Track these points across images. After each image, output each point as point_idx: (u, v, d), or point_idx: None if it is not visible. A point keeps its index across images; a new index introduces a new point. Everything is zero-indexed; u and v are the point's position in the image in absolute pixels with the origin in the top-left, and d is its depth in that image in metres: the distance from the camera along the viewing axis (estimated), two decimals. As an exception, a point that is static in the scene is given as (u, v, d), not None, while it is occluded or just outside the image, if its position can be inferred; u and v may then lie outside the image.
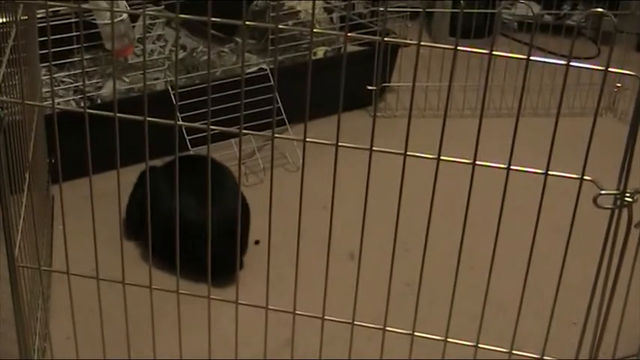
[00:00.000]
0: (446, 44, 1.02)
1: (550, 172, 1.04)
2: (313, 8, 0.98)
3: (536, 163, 1.07)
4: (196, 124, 1.15)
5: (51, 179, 2.04)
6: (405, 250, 1.75)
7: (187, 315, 1.37)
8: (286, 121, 2.34)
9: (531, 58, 0.95)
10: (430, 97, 2.76)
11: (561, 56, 3.02)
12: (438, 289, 1.44)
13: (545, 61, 0.99)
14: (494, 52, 0.96)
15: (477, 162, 1.05)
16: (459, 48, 0.96)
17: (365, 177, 1.09)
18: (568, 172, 1.06)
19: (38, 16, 1.85)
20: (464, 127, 2.08)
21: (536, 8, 3.32)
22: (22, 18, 1.43)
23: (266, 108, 2.10)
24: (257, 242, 1.97)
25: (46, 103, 2.14)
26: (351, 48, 2.73)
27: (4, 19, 1.29)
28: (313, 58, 2.66)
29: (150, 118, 1.09)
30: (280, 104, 2.32)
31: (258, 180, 2.29)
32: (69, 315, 1.33)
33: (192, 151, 2.17)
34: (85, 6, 1.09)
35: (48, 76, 2.31)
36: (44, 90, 2.17)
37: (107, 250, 1.34)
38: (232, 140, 2.24)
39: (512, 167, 1.04)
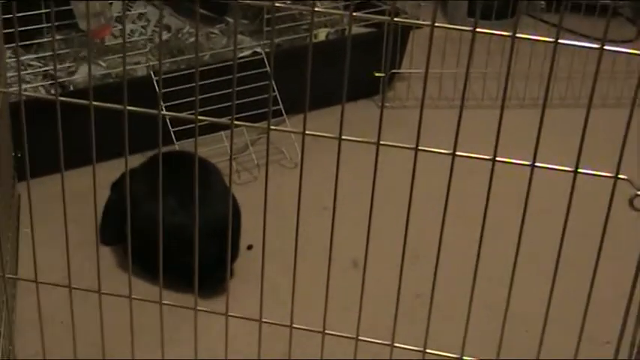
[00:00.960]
0: (463, 26, 1.02)
1: (580, 170, 1.05)
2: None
3: (564, 159, 1.08)
4: (183, 114, 1.16)
5: (17, 176, 2.05)
6: (414, 257, 1.77)
7: (171, 328, 1.38)
8: (283, 111, 2.35)
9: (560, 41, 0.96)
10: (445, 86, 2.77)
11: (594, 39, 3.03)
12: (451, 301, 1.45)
13: (575, 45, 0.99)
14: (517, 35, 0.96)
15: (498, 158, 1.05)
16: (478, 30, 0.97)
17: (370, 175, 1.10)
18: (600, 170, 1.06)
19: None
20: (483, 119, 2.09)
21: (566, -15, 3.32)
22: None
23: (261, 97, 2.11)
24: (250, 247, 1.97)
25: (12, 89, 2.15)
26: (357, 30, 2.73)
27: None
28: (314, 40, 2.67)
29: (130, 107, 1.09)
30: (277, 93, 2.33)
31: (252, 177, 2.29)
32: (37, 329, 1.34)
33: (176, 145, 2.18)
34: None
35: (13, 59, 2.32)
36: (9, 75, 2.18)
37: (80, 257, 1.35)
38: (222, 133, 2.25)
39: (536, 164, 1.05)
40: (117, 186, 1.99)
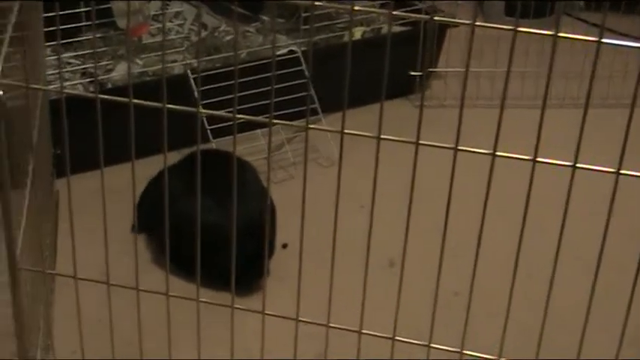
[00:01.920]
0: (501, 24, 1.01)
1: (623, 171, 1.04)
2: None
3: (606, 160, 1.07)
4: (221, 112, 1.16)
5: (56, 173, 2.07)
6: (452, 256, 1.75)
7: (207, 326, 1.38)
8: (319, 109, 2.35)
9: (603, 40, 0.95)
10: (482, 85, 2.75)
11: (634, 38, 3.00)
12: (490, 300, 1.44)
13: (619, 44, 0.98)
14: (559, 34, 0.95)
15: (538, 159, 1.04)
16: (519, 29, 0.96)
17: (406, 174, 1.10)
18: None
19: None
20: (521, 118, 2.07)
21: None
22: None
23: (297, 95, 2.11)
24: (285, 246, 1.98)
25: (52, 86, 2.18)
26: (393, 28, 2.72)
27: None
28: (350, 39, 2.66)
29: (169, 105, 1.10)
30: (313, 91, 2.33)
31: (288, 176, 2.30)
32: (75, 325, 1.35)
33: (213, 143, 2.19)
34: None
35: (53, 57, 2.34)
36: (48, 72, 2.20)
37: (117, 253, 1.36)
38: (259, 131, 2.25)
39: (578, 165, 1.04)
40: (153, 182, 2.00)
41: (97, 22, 2.23)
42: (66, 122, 1.22)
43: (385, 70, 1.03)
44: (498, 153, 1.05)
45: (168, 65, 2.41)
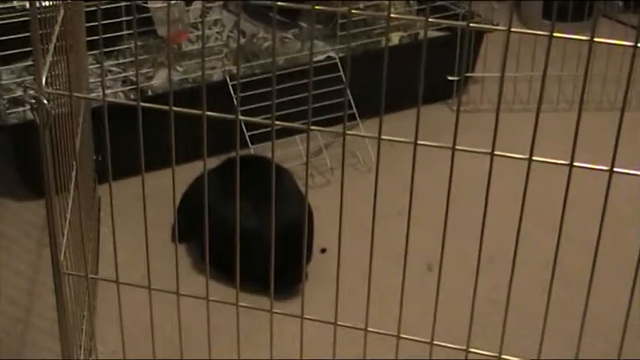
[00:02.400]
0: (538, 28, 1.02)
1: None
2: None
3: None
4: (259, 119, 1.17)
5: (97, 179, 2.10)
6: (489, 262, 1.75)
7: (246, 330, 1.40)
8: (357, 115, 2.36)
9: None
10: (519, 89, 2.74)
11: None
12: (527, 307, 1.44)
13: (654, 49, 0.97)
14: (595, 39, 0.95)
15: (575, 163, 1.04)
16: (555, 34, 0.96)
17: (444, 179, 1.10)
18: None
19: (85, -2, 1.91)
20: (558, 122, 2.06)
21: (644, -14, 3.26)
22: (67, 1, 1.47)
23: (334, 101, 2.12)
24: (323, 251, 1.98)
25: (94, 94, 2.21)
26: (430, 33, 2.72)
27: (50, 2, 1.33)
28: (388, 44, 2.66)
29: (209, 112, 1.12)
30: (350, 97, 2.34)
31: (325, 181, 2.30)
32: (116, 328, 1.37)
33: (251, 149, 2.20)
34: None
35: (95, 66, 2.37)
36: (90, 80, 2.23)
37: (158, 258, 1.37)
38: (297, 137, 2.26)
39: (615, 169, 1.03)
40: (190, 188, 2.02)
41: (138, 30, 2.26)
42: (108, 129, 1.24)
43: (421, 75, 1.03)
44: (535, 158, 1.05)
45: (208, 72, 2.43)
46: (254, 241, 1.61)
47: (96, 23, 1.23)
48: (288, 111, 1.89)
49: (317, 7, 1.06)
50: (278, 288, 1.36)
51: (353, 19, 2.62)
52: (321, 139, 2.40)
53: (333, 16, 2.70)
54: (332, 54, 2.49)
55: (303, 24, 2.75)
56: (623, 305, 1.15)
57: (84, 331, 1.56)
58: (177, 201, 2.01)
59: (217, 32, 2.57)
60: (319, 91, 2.10)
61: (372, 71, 1.58)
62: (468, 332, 1.22)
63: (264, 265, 1.27)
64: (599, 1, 3.16)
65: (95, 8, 1.33)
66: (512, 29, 0.99)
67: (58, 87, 1.36)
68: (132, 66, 2.42)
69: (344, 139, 1.13)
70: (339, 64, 2.41)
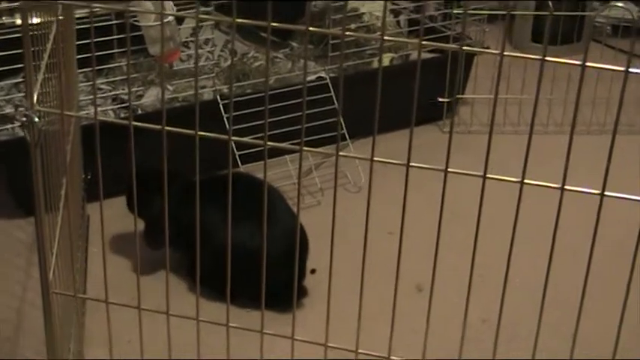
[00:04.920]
0: (528, 51, 1.03)
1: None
2: (384, 12, 0.99)
3: (635, 188, 1.07)
4: (251, 140, 1.18)
5: (86, 197, 2.10)
6: (480, 283, 1.76)
7: (237, 350, 1.39)
8: (347, 136, 2.37)
9: (630, 70, 0.96)
10: (510, 111, 2.76)
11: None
12: (518, 327, 1.44)
13: (645, 74, 0.99)
14: (587, 64, 0.96)
15: (566, 187, 1.05)
16: (546, 58, 0.97)
17: (434, 200, 1.10)
18: (671, 199, 1.05)
19: (76, 16, 1.91)
20: (548, 145, 2.07)
21: (634, 10, 3.28)
22: (58, 19, 1.48)
23: (324, 121, 2.13)
24: (313, 271, 1.98)
25: (84, 112, 2.21)
26: (421, 55, 2.74)
27: (41, 19, 1.34)
28: (377, 66, 2.68)
29: (200, 132, 1.12)
30: (341, 117, 2.34)
31: (315, 202, 2.31)
32: (106, 347, 1.37)
33: (242, 169, 2.21)
34: (127, 7, 1.12)
35: (85, 83, 2.38)
36: (80, 98, 2.24)
37: (147, 276, 1.37)
38: (287, 157, 2.27)
39: (606, 193, 1.04)
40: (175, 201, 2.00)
41: (128, 48, 2.26)
42: (98, 147, 1.24)
43: (415, 97, 1.04)
44: (527, 181, 1.06)
45: (198, 92, 2.44)
46: (244, 260, 1.62)
47: (87, 41, 1.23)
48: (278, 131, 1.89)
49: (312, 29, 1.07)
50: (272, 306, 1.36)
51: (345, 39, 2.63)
52: (311, 159, 2.41)
53: (324, 36, 2.71)
54: (323, 74, 2.50)
55: (295, 44, 2.76)
56: (614, 326, 1.16)
57: (71, 350, 1.55)
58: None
59: (208, 51, 2.58)
60: (310, 112, 2.10)
61: (363, 92, 1.58)
62: (459, 353, 1.22)
63: (256, 285, 1.27)
64: (589, 26, 3.19)
65: (86, 26, 1.33)
66: (505, 53, 1.00)
67: (48, 104, 1.36)
68: (122, 84, 2.43)
69: (337, 160, 1.13)
70: (330, 85, 2.42)
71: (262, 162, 1.16)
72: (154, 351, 1.40)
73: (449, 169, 1.07)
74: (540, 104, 2.75)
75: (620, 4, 2.98)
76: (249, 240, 1.78)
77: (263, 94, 2.20)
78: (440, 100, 2.64)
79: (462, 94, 2.76)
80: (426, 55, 2.73)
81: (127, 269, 1.42)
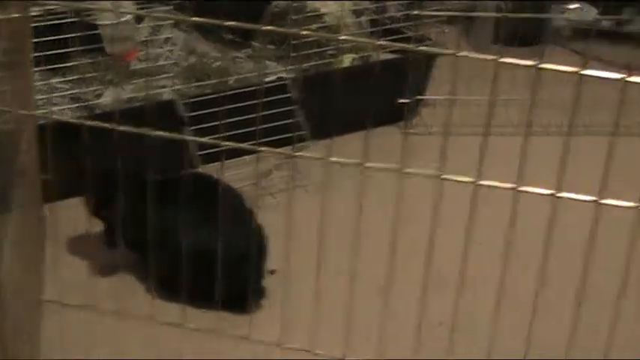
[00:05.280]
0: (488, 52, 1.03)
1: (603, 201, 1.05)
2: (341, 13, 0.99)
3: (589, 188, 1.08)
4: (207, 139, 1.17)
5: (44, 198, 2.07)
6: (439, 285, 1.76)
7: (194, 351, 1.39)
8: (308, 136, 2.36)
9: (583, 72, 0.96)
10: (470, 112, 2.77)
11: (621, 66, 3.02)
12: (476, 329, 1.45)
13: (598, 76, 0.99)
14: (542, 66, 0.97)
15: (520, 187, 1.05)
16: (501, 60, 0.97)
17: (394, 200, 1.10)
18: (625, 199, 1.06)
19: (32, 14, 1.89)
20: (507, 146, 2.08)
21: (593, 12, 3.32)
22: (13, 16, 1.46)
23: (286, 122, 2.12)
24: (273, 272, 1.98)
25: (39, 111, 2.18)
26: (382, 56, 2.74)
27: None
28: (339, 66, 2.68)
29: (156, 132, 1.11)
30: (301, 118, 2.34)
31: (275, 202, 2.30)
32: (62, 350, 1.35)
33: (201, 169, 2.19)
34: (84, 5, 1.11)
35: (42, 83, 2.35)
36: (37, 97, 2.21)
37: (107, 278, 1.36)
38: (247, 157, 2.26)
39: (559, 194, 1.05)
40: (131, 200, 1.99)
41: (86, 47, 2.24)
42: (55, 147, 1.22)
43: (371, 98, 1.04)
44: (481, 182, 1.06)
45: (158, 91, 2.42)
46: (201, 261, 1.61)
47: (42, 39, 1.22)
48: (239, 131, 1.89)
49: (268, 28, 1.07)
50: (232, 308, 1.36)
51: (305, 40, 2.63)
52: (272, 160, 2.40)
53: (285, 36, 2.70)
54: (283, 75, 2.50)
55: (256, 44, 2.75)
56: (569, 326, 1.17)
57: (28, 354, 1.53)
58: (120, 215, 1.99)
59: (168, 50, 2.56)
60: (270, 112, 2.10)
61: (324, 93, 1.58)
62: (416, 355, 1.23)
63: (213, 286, 1.26)
64: (547, 28, 3.22)
65: (42, 24, 1.32)
66: (460, 53, 1.00)
67: (2, 104, 1.34)
68: (80, 83, 2.40)
69: (292, 161, 1.13)
70: (290, 85, 2.41)
71: (222, 162, 1.15)
72: (113, 353, 1.38)
73: (404, 170, 1.07)
74: (500, 105, 2.77)
75: (574, 6, 3.01)
76: (206, 241, 1.77)
77: (222, 95, 2.19)
78: (400, 101, 2.64)
79: (423, 95, 2.77)
80: (387, 57, 2.74)
81: (86, 271, 1.41)
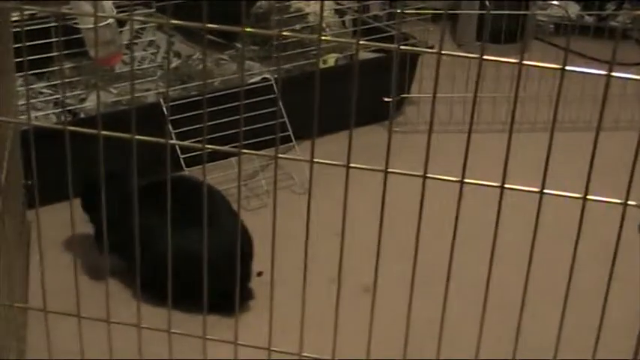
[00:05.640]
0: (472, 50, 1.03)
1: (589, 197, 1.04)
2: (321, 13, 0.98)
3: (574, 184, 1.07)
4: (189, 143, 1.16)
5: (27, 204, 2.06)
6: (426, 284, 1.76)
7: (181, 355, 1.38)
8: (292, 137, 2.35)
9: (567, 67, 0.96)
10: (455, 110, 2.77)
11: (603, 62, 3.03)
12: (462, 328, 1.44)
13: (581, 71, 0.99)
14: (524, 62, 0.96)
15: (506, 185, 1.05)
16: (485, 57, 0.97)
17: (380, 201, 1.10)
18: (610, 196, 1.06)
19: (13, 19, 1.87)
20: (494, 143, 2.08)
21: (575, 8, 3.33)
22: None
23: (270, 123, 2.12)
24: (260, 274, 1.97)
25: (20, 117, 2.16)
26: (366, 55, 2.74)
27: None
28: (323, 66, 2.68)
29: (138, 136, 1.10)
30: (286, 119, 2.33)
31: (262, 204, 2.29)
32: (46, 357, 1.34)
33: (186, 172, 2.18)
34: (65, 10, 1.09)
35: (25, 87, 2.33)
36: (20, 103, 2.19)
37: (92, 284, 1.35)
38: (233, 159, 2.25)
39: (545, 191, 1.04)
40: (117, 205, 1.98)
41: (69, 51, 2.23)
42: (38, 153, 1.21)
43: (354, 95, 1.03)
44: (466, 180, 1.05)
45: (142, 94, 2.41)
46: (186, 265, 1.59)
47: (25, 44, 1.21)
48: (224, 133, 1.88)
49: (249, 30, 1.06)
50: (218, 311, 1.34)
51: (289, 40, 2.62)
52: (257, 161, 2.39)
53: (269, 37, 2.70)
54: (268, 75, 2.49)
55: (239, 45, 2.74)
56: (556, 325, 1.16)
57: (15, 353, 1.52)
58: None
59: (152, 53, 2.55)
60: (254, 113, 2.09)
61: (309, 93, 1.57)
62: (403, 354, 1.22)
63: (198, 290, 1.25)
64: (531, 25, 3.22)
65: (24, 28, 1.30)
66: (443, 52, 1.00)
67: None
68: (64, 88, 2.39)
69: (275, 162, 1.12)
70: (275, 86, 2.41)
71: (206, 165, 1.14)
72: (97, 357, 1.37)
73: (389, 170, 1.06)
74: (485, 103, 2.78)
75: (556, 2, 3.02)
76: (190, 244, 1.76)
77: (206, 96, 2.19)
78: (385, 99, 2.64)
79: (408, 93, 2.76)
80: (371, 55, 2.74)
81: (71, 277, 1.39)
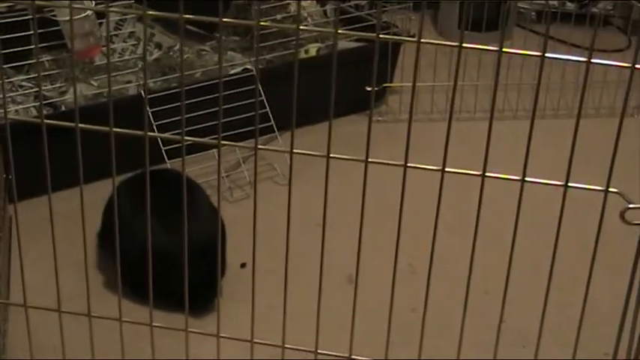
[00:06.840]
0: (454, 39, 1.02)
1: (570, 184, 1.04)
2: (299, 5, 0.97)
3: (556, 172, 1.07)
4: (168, 135, 1.15)
5: (7, 198, 2.04)
6: (410, 273, 1.75)
7: (163, 350, 1.37)
8: (275, 127, 2.34)
9: (547, 55, 0.95)
10: (437, 99, 2.76)
11: (585, 49, 3.03)
12: (447, 316, 1.44)
13: (561, 58, 0.99)
14: (504, 50, 0.95)
15: (487, 174, 1.04)
16: (464, 45, 0.96)
17: (361, 190, 1.09)
18: (592, 183, 1.05)
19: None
20: (476, 131, 2.08)
21: (557, -5, 3.33)
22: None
23: (251, 114, 2.10)
24: (243, 265, 1.96)
25: None
26: (348, 44, 2.73)
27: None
28: (305, 56, 2.66)
29: (116, 129, 1.09)
30: (268, 109, 2.32)
31: (244, 195, 2.28)
32: (28, 352, 1.33)
33: (168, 164, 2.17)
34: (41, 2, 1.08)
35: (4, 81, 2.31)
36: None
37: (74, 278, 1.34)
38: (214, 151, 2.24)
39: (526, 179, 1.04)
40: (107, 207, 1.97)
41: (48, 44, 2.21)
42: (17, 146, 1.20)
43: (332, 86, 1.03)
44: (447, 169, 1.05)
45: (123, 86, 2.39)
46: (164, 259, 1.58)
47: (1, 37, 1.20)
48: (205, 124, 1.87)
49: (227, 20, 1.05)
50: (195, 305, 1.33)
51: (270, 30, 2.60)
52: (239, 152, 2.38)
53: (250, 28, 2.68)
54: (249, 66, 2.48)
55: (220, 36, 2.73)
56: (540, 313, 1.16)
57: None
58: (94, 220, 1.96)
59: (132, 45, 2.53)
60: (236, 104, 2.08)
61: (290, 83, 1.56)
62: (386, 344, 1.22)
63: (178, 284, 1.24)
64: (512, 12, 3.22)
65: (1, 21, 1.29)
66: (423, 40, 0.99)
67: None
68: (43, 81, 2.37)
69: (255, 154, 1.11)
70: (256, 76, 2.39)
71: (189, 157, 1.14)
72: (81, 354, 1.36)
73: (369, 160, 1.06)
74: (467, 91, 2.77)
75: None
76: (161, 239, 1.74)
77: (187, 88, 2.17)
78: (367, 89, 2.63)
79: (390, 82, 2.76)
80: (352, 45, 2.72)
81: (52, 271, 1.38)
